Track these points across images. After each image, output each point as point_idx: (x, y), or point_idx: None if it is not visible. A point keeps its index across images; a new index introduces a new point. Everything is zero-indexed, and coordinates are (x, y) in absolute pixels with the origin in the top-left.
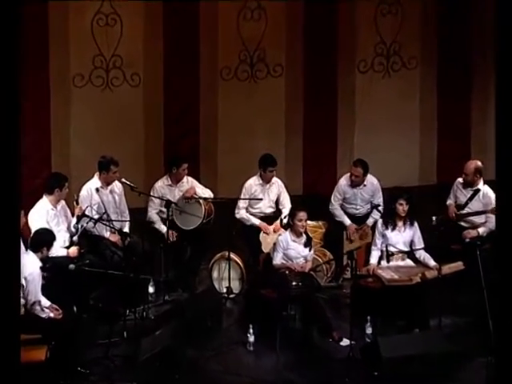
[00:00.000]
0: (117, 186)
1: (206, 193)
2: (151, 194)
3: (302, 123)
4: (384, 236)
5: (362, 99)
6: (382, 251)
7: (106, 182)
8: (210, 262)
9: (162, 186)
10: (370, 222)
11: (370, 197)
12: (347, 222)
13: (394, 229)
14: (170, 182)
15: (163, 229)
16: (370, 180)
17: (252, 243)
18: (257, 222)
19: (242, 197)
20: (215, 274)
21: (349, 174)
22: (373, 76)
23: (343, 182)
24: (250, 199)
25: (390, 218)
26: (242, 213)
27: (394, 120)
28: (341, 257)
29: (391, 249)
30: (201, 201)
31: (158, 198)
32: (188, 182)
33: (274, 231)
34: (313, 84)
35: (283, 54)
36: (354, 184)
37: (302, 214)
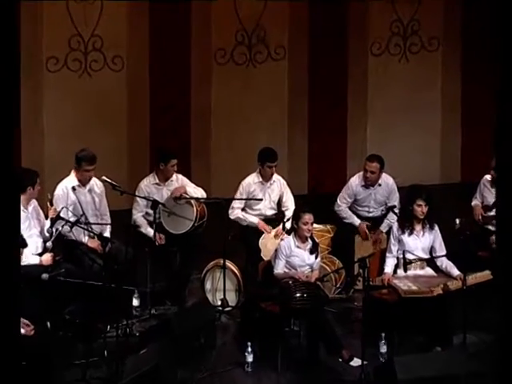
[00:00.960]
0: (97, 184)
1: (198, 192)
2: (136, 193)
3: (307, 113)
4: (400, 241)
5: (376, 86)
6: (398, 259)
7: (81, 181)
8: (202, 270)
9: (148, 184)
10: (384, 226)
11: (384, 198)
12: (356, 221)
13: (411, 233)
14: (157, 181)
15: (150, 233)
16: (385, 179)
17: (250, 249)
18: (255, 220)
19: (239, 197)
20: (208, 285)
21: (361, 173)
22: (388, 59)
23: (355, 181)
24: (247, 199)
25: (407, 221)
26: (236, 212)
27: (412, 110)
28: (351, 265)
29: (409, 256)
30: (192, 201)
31: (144, 197)
32: (178, 180)
33: (276, 236)
34: (319, 69)
35: (286, 35)
36: (369, 183)
37: (308, 217)
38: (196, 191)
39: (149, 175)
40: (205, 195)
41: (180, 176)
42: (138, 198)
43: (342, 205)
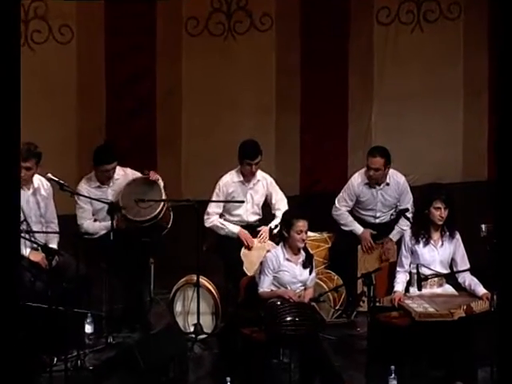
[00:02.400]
0: (44, 186)
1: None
2: (76, 198)
3: (300, 97)
4: (414, 253)
5: (383, 63)
6: (410, 274)
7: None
8: (171, 289)
9: (88, 188)
10: (394, 234)
11: (394, 200)
12: (359, 228)
13: (427, 243)
14: (97, 183)
15: (106, 226)
16: (395, 177)
17: (230, 263)
18: (235, 229)
19: (216, 199)
20: (178, 307)
21: (364, 169)
22: (398, 29)
23: (357, 179)
24: (225, 202)
25: (423, 228)
26: (213, 219)
27: (428, 92)
28: (354, 282)
29: (424, 271)
30: (161, 184)
31: (100, 201)
32: (126, 176)
33: (259, 240)
34: (314, 42)
35: (273, 0)
36: (373, 181)
37: (302, 224)
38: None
39: (88, 175)
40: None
41: (129, 171)
42: (81, 203)
43: (341, 208)
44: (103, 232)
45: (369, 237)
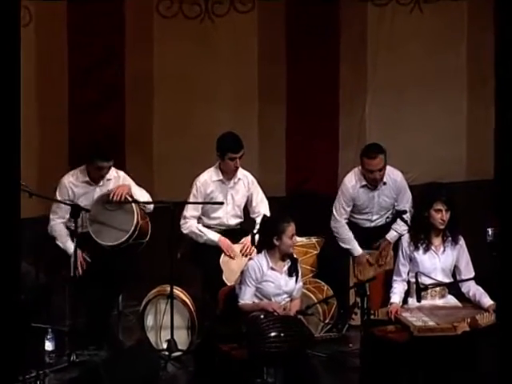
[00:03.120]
0: None
1: (144, 196)
2: (57, 192)
3: (285, 86)
4: (413, 260)
5: (378, 48)
6: (409, 283)
7: None
8: (141, 301)
9: (74, 182)
10: (391, 236)
11: (391, 200)
12: (357, 250)
13: (427, 249)
14: (86, 178)
15: (70, 249)
16: (391, 175)
17: (207, 272)
18: (215, 237)
19: (193, 200)
20: (150, 321)
21: (357, 169)
22: (395, 10)
23: (351, 181)
24: (203, 203)
25: (422, 233)
26: (191, 224)
27: (428, 80)
28: (346, 292)
29: (424, 280)
30: (133, 208)
31: (60, 201)
32: (118, 179)
33: (242, 253)
34: (301, 25)
35: None
36: (375, 184)
37: (292, 229)
38: (141, 194)
39: (77, 169)
40: (150, 199)
41: (122, 174)
42: (59, 197)
43: (340, 219)
44: (68, 242)
45: (365, 261)
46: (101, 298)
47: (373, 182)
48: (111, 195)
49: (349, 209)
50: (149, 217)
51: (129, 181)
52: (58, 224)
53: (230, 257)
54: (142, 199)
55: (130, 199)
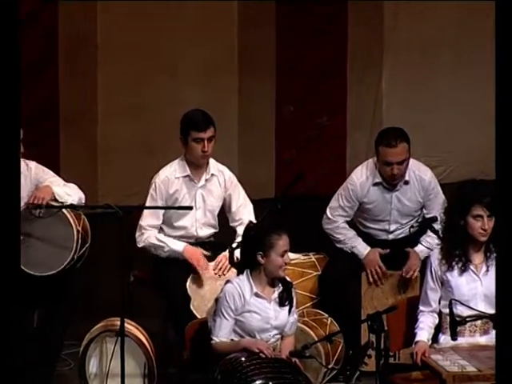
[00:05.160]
0: None
1: (74, 194)
2: None
3: (274, 54)
4: (445, 284)
5: (397, 6)
6: (441, 315)
7: None
8: (82, 340)
9: None
10: (420, 250)
11: (416, 205)
12: (363, 248)
13: (465, 269)
14: None
15: None
16: (417, 172)
17: (171, 299)
18: (179, 246)
19: (151, 204)
20: (93, 367)
21: (370, 162)
22: None
23: (360, 176)
24: (165, 208)
25: (458, 247)
26: (148, 235)
27: (463, 44)
28: (356, 327)
29: (460, 310)
30: (66, 213)
31: None
32: (29, 172)
33: (216, 272)
34: None
35: None
36: (394, 180)
37: (284, 244)
38: (69, 192)
39: None
40: (83, 197)
41: (33, 164)
42: None
43: (335, 219)
44: None
45: (378, 260)
46: (33, 334)
47: (390, 178)
48: (30, 201)
49: (350, 210)
50: (90, 227)
51: (44, 173)
52: None
53: (202, 268)
54: (69, 199)
55: (54, 204)
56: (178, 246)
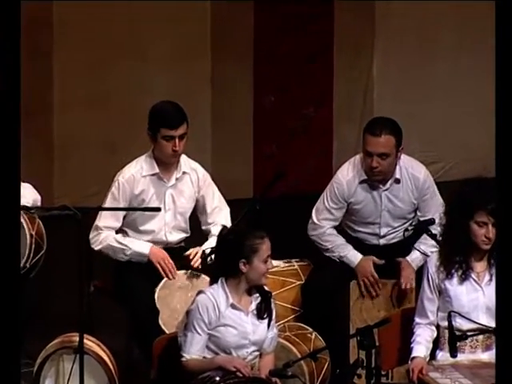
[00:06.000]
0: None
1: (28, 195)
2: None
3: (252, 34)
4: (444, 293)
5: None
6: (439, 329)
7: None
8: (36, 357)
9: None
10: (415, 258)
11: (409, 207)
12: (354, 256)
13: (465, 278)
14: None
15: None
16: (410, 169)
17: (136, 313)
18: (144, 247)
19: (111, 204)
20: None
21: (358, 158)
22: None
23: (347, 174)
24: (130, 209)
25: (458, 254)
26: (106, 236)
27: (463, 26)
28: (345, 342)
29: (460, 324)
30: (21, 219)
31: None
32: None
33: (192, 264)
34: None
35: None
36: (377, 176)
37: (267, 248)
38: (22, 193)
39: None
40: (38, 199)
41: None
42: None
43: (321, 224)
44: None
45: (371, 269)
46: None
47: (369, 172)
48: None
49: (337, 213)
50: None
51: None
52: None
53: (169, 275)
54: (24, 201)
55: None
56: (143, 247)
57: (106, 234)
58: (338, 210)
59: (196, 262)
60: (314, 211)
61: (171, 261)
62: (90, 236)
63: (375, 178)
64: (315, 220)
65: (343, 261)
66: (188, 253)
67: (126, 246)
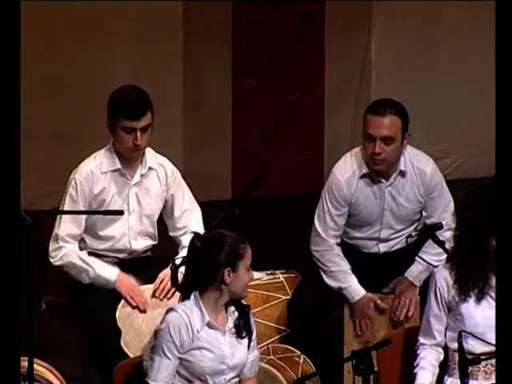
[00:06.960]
0: None
1: None
2: None
3: (231, 18)
4: (454, 310)
5: None
6: (446, 351)
7: None
8: None
9: None
10: (415, 274)
11: (415, 206)
12: (356, 292)
13: (481, 295)
14: None
15: None
16: (415, 162)
17: (95, 334)
18: (111, 273)
19: (69, 207)
20: None
21: (356, 151)
22: None
23: (346, 172)
24: (89, 213)
25: (477, 272)
26: (68, 251)
27: (475, 15)
28: (338, 367)
29: (472, 346)
30: None
31: None
32: None
33: (157, 296)
34: None
35: None
36: (379, 167)
37: (250, 253)
38: None
39: None
40: None
41: None
42: None
43: (327, 238)
44: None
45: (371, 311)
46: None
47: (370, 160)
48: None
49: (341, 219)
50: None
51: None
52: None
53: (139, 309)
54: None
55: None
56: (110, 272)
57: (68, 248)
58: (341, 217)
59: (163, 294)
60: (316, 221)
61: (142, 294)
62: (50, 248)
63: (377, 168)
64: (321, 233)
65: (342, 292)
66: (157, 281)
67: (90, 266)
